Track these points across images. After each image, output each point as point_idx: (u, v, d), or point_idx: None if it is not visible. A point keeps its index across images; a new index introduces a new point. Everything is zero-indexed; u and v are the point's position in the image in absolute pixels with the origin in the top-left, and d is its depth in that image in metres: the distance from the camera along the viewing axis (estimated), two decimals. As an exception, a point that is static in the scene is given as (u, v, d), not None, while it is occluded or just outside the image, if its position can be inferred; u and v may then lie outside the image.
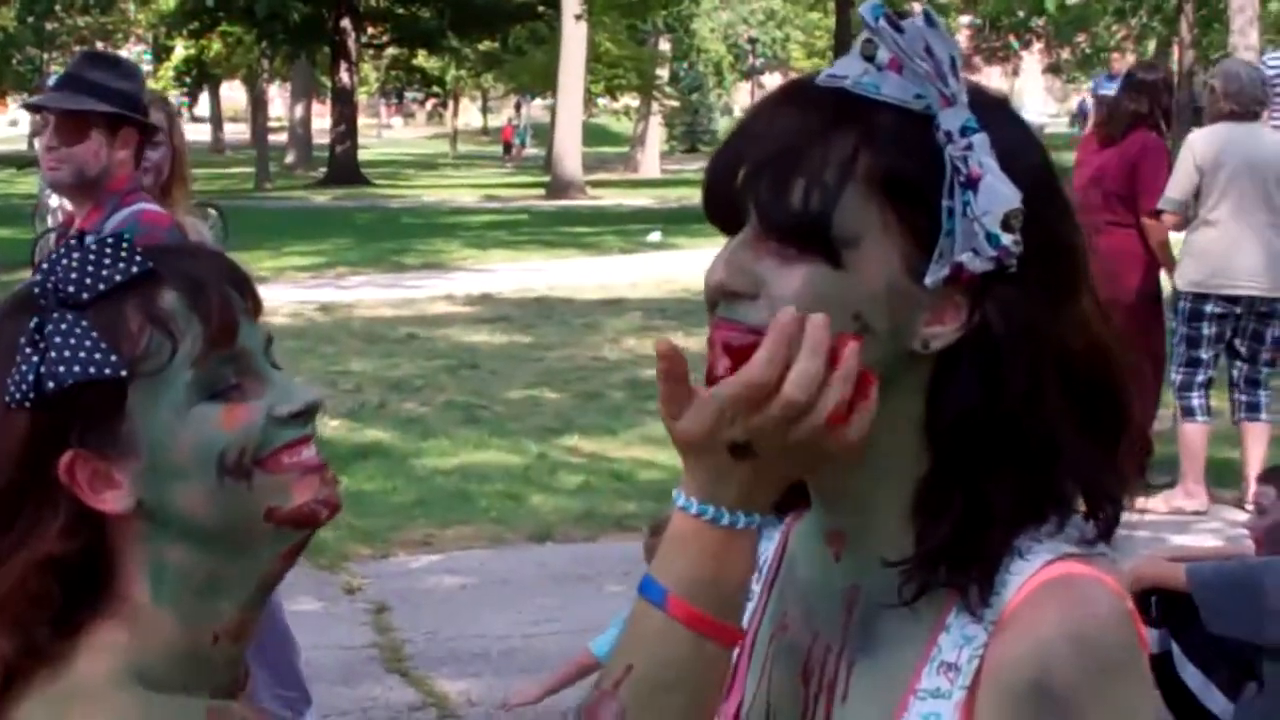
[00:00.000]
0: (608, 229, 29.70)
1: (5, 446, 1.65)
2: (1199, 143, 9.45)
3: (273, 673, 5.53)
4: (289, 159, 57.31)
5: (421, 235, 28.95)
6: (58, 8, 57.73)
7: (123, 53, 43.17)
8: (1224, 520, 9.08)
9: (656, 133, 58.97)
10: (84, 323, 1.63)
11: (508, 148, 71.26)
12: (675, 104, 63.24)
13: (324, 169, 50.77)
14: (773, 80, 68.10)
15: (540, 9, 49.51)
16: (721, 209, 1.63)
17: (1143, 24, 56.29)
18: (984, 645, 1.56)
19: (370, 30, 54.75)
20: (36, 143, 5.49)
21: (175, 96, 51.52)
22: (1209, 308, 9.40)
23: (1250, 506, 6.31)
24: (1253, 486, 6.33)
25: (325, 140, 53.74)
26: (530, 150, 71.55)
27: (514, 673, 6.85)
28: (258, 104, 58.10)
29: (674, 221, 28.36)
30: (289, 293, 18.85)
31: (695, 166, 47.54)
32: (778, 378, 1.52)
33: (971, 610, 1.57)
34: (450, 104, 75.66)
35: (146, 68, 50.30)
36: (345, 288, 20.32)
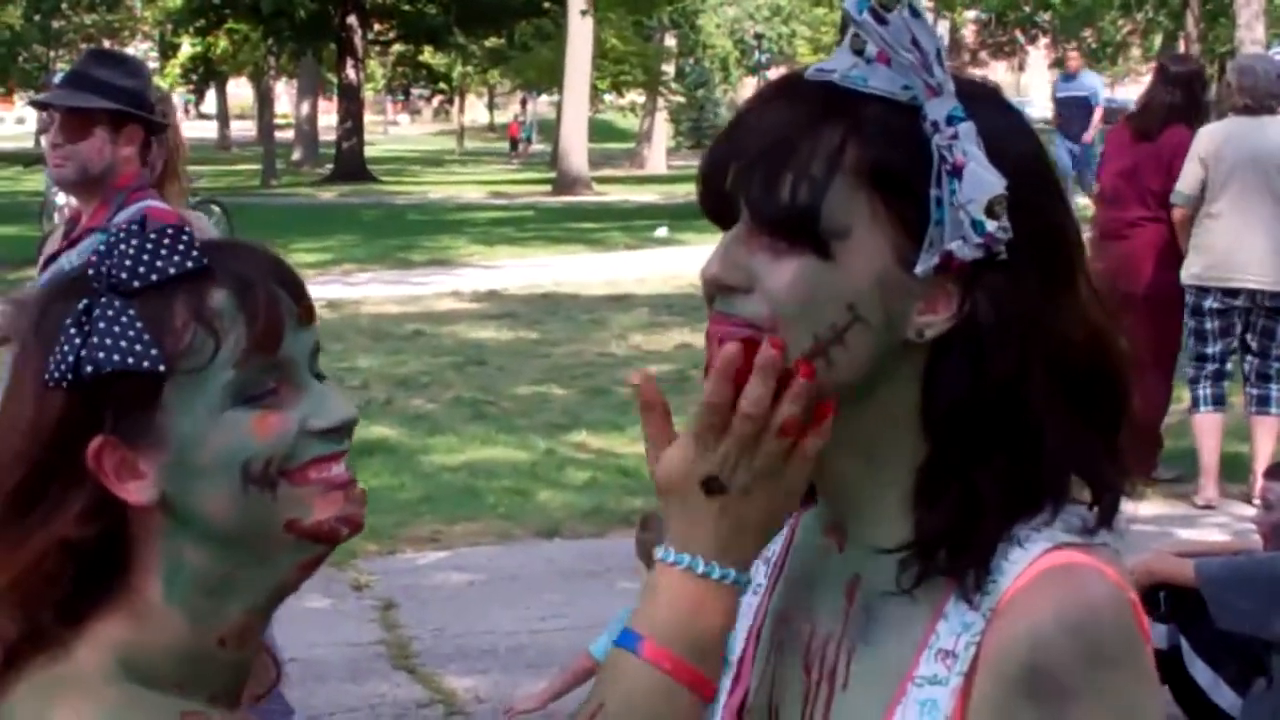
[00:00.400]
0: (614, 225, 29.71)
1: (39, 425, 1.64)
2: (1205, 136, 9.44)
3: None
4: (295, 156, 57.30)
5: (428, 232, 28.96)
6: (64, 5, 57.85)
7: (129, 50, 43.22)
8: (1232, 515, 9.07)
9: (662, 128, 58.92)
10: (131, 312, 1.62)
11: (514, 144, 71.18)
12: (681, 100, 63.16)
13: (330, 166, 50.76)
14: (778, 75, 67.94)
15: (546, 5, 49.46)
16: (716, 204, 1.65)
17: (1149, 18, 56.32)
18: (981, 632, 1.57)
19: (376, 27, 54.75)
20: (43, 140, 5.49)
21: (181, 94, 51.60)
22: (1209, 302, 9.40)
23: (1258, 502, 6.30)
24: (1260, 481, 6.33)
25: (331, 137, 53.71)
26: (536, 146, 71.48)
27: (521, 669, 6.85)
28: (264, 101, 58.06)
29: (680, 217, 28.35)
30: (296, 289, 18.75)
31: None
32: (731, 398, 1.59)
33: (968, 597, 1.58)
34: (456, 100, 75.68)
35: (153, 65, 50.33)
36: (352, 284, 20.32)
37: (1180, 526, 8.68)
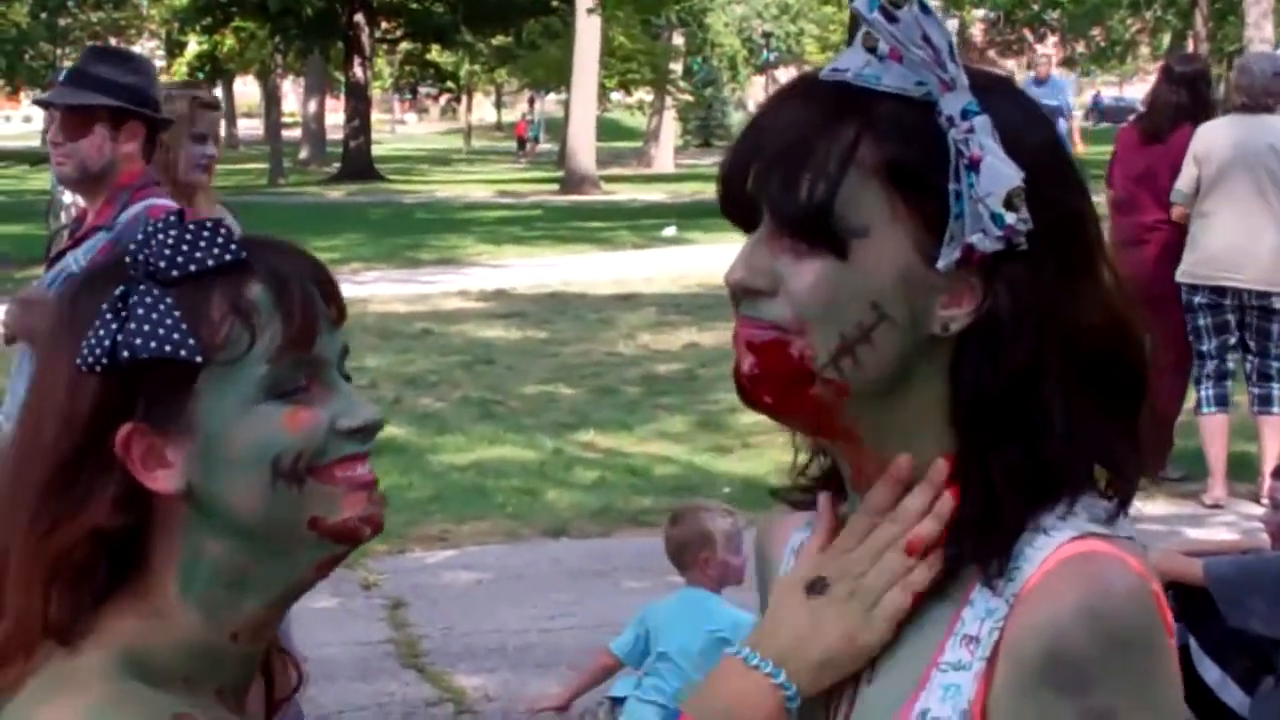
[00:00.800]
0: (622, 224, 29.71)
1: (72, 412, 1.64)
2: (1199, 135, 9.43)
3: None
4: (303, 154, 57.37)
5: (435, 231, 28.98)
6: (70, 4, 57.93)
7: (135, 48, 43.23)
8: (1240, 514, 9.06)
9: (670, 127, 58.90)
10: (168, 300, 1.63)
11: (521, 143, 71.20)
12: (689, 98, 63.08)
13: (338, 164, 50.79)
14: (787, 74, 68.04)
15: (554, 3, 49.49)
16: (737, 207, 1.66)
17: (1157, 17, 56.27)
18: (1004, 618, 1.58)
19: (384, 25, 54.78)
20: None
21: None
22: (1198, 299, 9.41)
23: (1265, 501, 6.30)
24: (1268, 481, 6.32)
25: (339, 136, 53.74)
26: (544, 145, 71.49)
27: (530, 668, 6.86)
28: (271, 99, 58.10)
29: (688, 216, 28.36)
30: (303, 288, 18.76)
31: (709, 161, 47.52)
32: (891, 505, 1.65)
33: (990, 583, 1.59)
34: (464, 99, 75.71)
35: (159, 63, 50.34)
36: (359, 283, 20.31)
37: (1188, 526, 8.68)
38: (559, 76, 50.49)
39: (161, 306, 1.62)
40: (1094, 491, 1.63)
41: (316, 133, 58.71)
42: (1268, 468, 7.88)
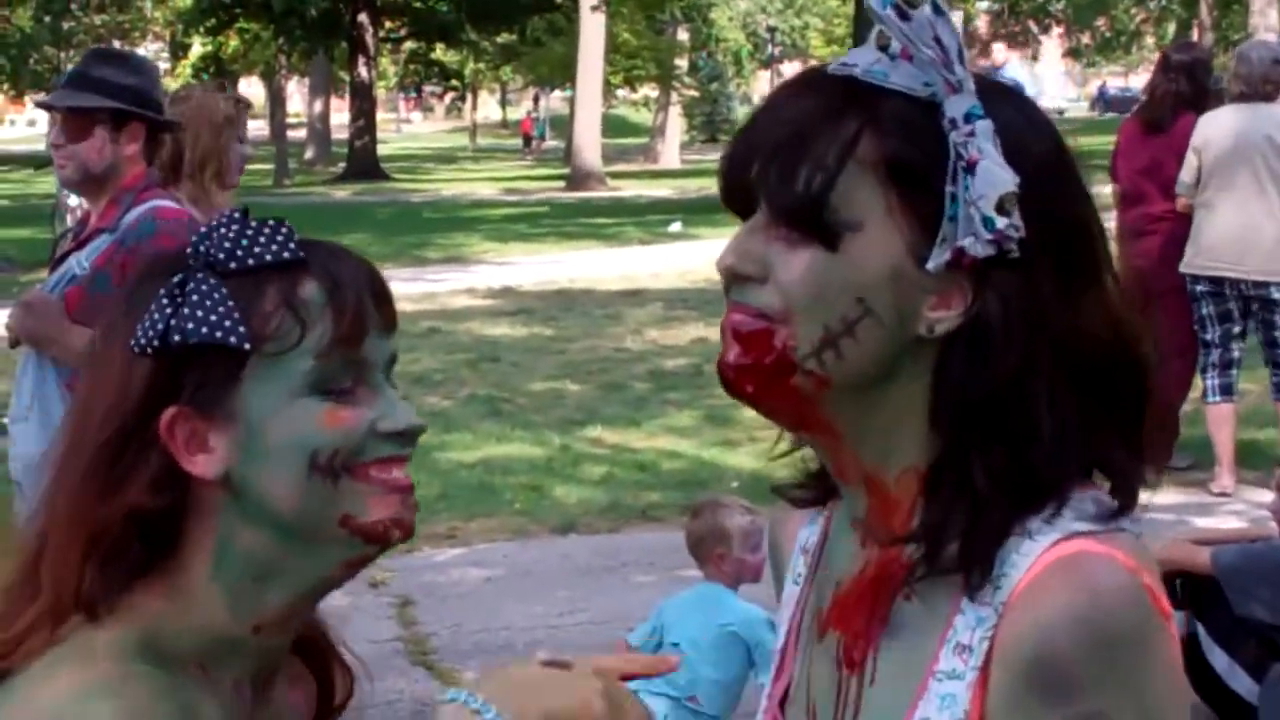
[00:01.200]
0: (628, 220, 29.72)
1: (125, 391, 1.69)
2: (1200, 124, 9.41)
3: None
4: (308, 155, 57.41)
5: (442, 229, 28.99)
6: (74, 7, 57.93)
7: (140, 51, 43.24)
8: (1248, 502, 9.05)
9: (676, 123, 58.96)
10: (223, 289, 1.67)
11: (527, 140, 71.22)
12: (694, 94, 63.15)
13: (343, 164, 50.85)
14: (792, 69, 68.00)
15: (558, 0, 49.51)
16: (737, 196, 1.66)
17: (1162, 6, 56.25)
18: (994, 627, 1.57)
19: (388, 24, 54.82)
20: (53, 142, 5.49)
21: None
22: (1199, 288, 9.40)
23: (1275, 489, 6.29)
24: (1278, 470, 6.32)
25: (344, 135, 53.82)
26: (550, 142, 71.55)
27: (539, 665, 6.85)
28: (276, 100, 58.16)
29: (694, 211, 28.36)
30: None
31: (715, 156, 47.13)
32: None
33: (970, 592, 1.58)
34: (469, 97, 75.76)
35: (164, 65, 50.38)
36: (366, 282, 20.33)
37: (1196, 515, 8.67)
38: (564, 73, 50.60)
39: (216, 295, 1.67)
40: (1090, 490, 1.62)
41: (322, 133, 58.76)
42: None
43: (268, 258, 1.69)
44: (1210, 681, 5.54)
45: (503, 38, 55.99)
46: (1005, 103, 1.63)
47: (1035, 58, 77.62)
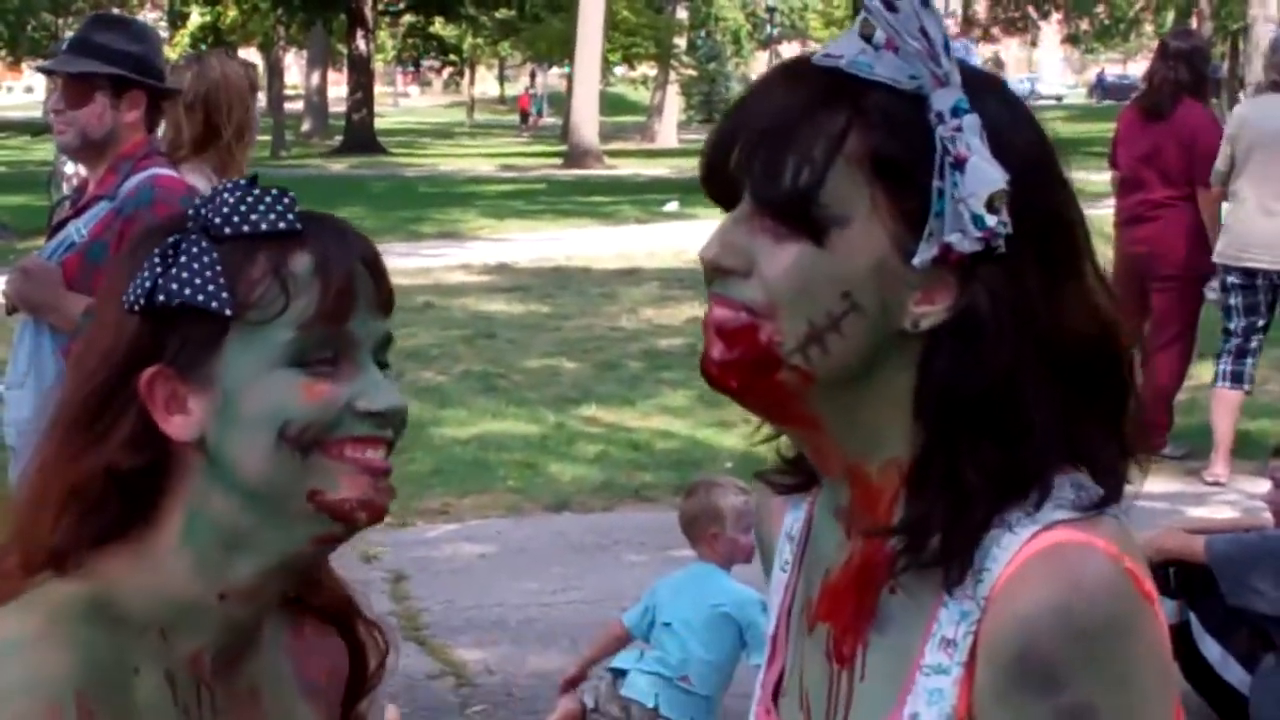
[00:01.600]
0: (625, 198, 29.71)
1: (113, 348, 1.71)
2: (1234, 114, 9.42)
3: None
4: (305, 127, 57.33)
5: (438, 204, 28.96)
6: (73, -26, 57.75)
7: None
8: (1242, 492, 9.05)
9: (674, 102, 58.88)
10: (214, 254, 1.68)
11: (524, 116, 71.22)
12: (693, 73, 63.03)
13: (340, 137, 50.80)
14: (790, 50, 67.93)
15: (557, -23, 49.47)
16: (718, 185, 1.66)
17: (1162, -7, 56.16)
18: (977, 621, 1.57)
19: (386, -2, 54.76)
20: (51, 108, 5.46)
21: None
22: (1230, 279, 9.38)
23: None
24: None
25: (341, 109, 53.79)
26: (547, 119, 71.51)
27: (531, 642, 6.86)
28: (273, 72, 58.01)
29: (691, 191, 28.29)
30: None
31: (712, 136, 47.40)
32: None
33: (949, 586, 1.58)
34: (467, 72, 75.62)
35: (162, 34, 50.24)
36: (361, 256, 20.32)
37: (1189, 504, 8.67)
38: (562, 50, 50.48)
39: (205, 259, 1.68)
40: (1069, 474, 1.61)
41: (319, 106, 58.69)
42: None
43: (263, 226, 1.70)
44: (1202, 671, 5.55)
45: (501, 13, 55.89)
46: (991, 96, 1.62)
47: (1034, 43, 77.56)
